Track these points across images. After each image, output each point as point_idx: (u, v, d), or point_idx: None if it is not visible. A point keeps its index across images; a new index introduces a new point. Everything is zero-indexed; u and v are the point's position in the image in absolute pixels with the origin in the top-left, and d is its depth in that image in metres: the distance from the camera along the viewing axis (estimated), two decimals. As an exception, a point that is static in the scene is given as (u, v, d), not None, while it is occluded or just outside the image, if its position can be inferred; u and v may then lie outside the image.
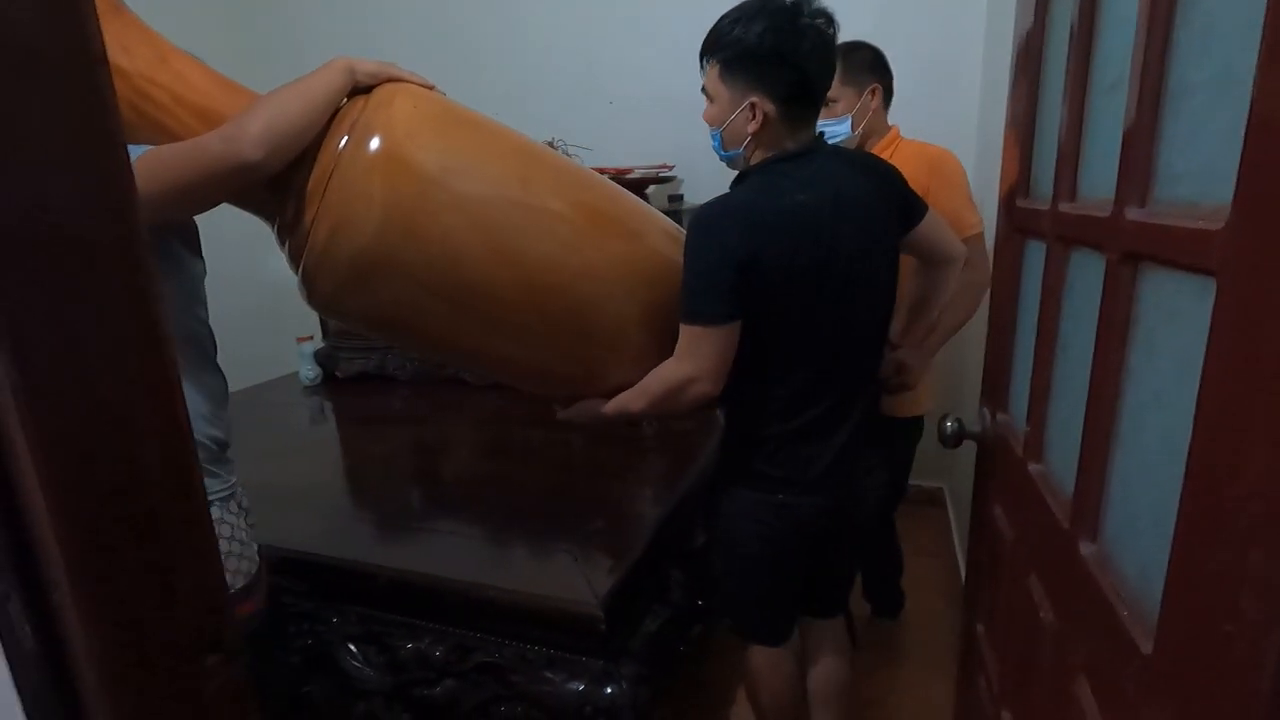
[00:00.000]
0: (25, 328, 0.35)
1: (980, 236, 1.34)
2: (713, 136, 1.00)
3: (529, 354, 0.96)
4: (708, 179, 2.14)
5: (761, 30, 0.89)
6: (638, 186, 1.98)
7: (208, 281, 0.87)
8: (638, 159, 2.08)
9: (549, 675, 0.98)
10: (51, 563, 0.38)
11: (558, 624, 0.99)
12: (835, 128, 1.37)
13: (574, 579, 1.03)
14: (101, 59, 0.37)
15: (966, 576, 1.20)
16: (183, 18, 1.84)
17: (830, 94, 1.32)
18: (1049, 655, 0.66)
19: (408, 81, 0.90)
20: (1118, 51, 0.55)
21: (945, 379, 2.11)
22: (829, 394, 1.00)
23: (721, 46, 0.93)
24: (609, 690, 0.94)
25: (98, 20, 0.37)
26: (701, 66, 0.98)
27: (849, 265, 0.94)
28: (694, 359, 0.92)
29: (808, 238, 0.91)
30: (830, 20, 0.92)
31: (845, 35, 1.02)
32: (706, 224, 0.92)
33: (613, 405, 1.00)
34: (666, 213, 1.82)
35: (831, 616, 1.26)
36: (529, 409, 1.98)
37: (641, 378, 0.97)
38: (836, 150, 1.02)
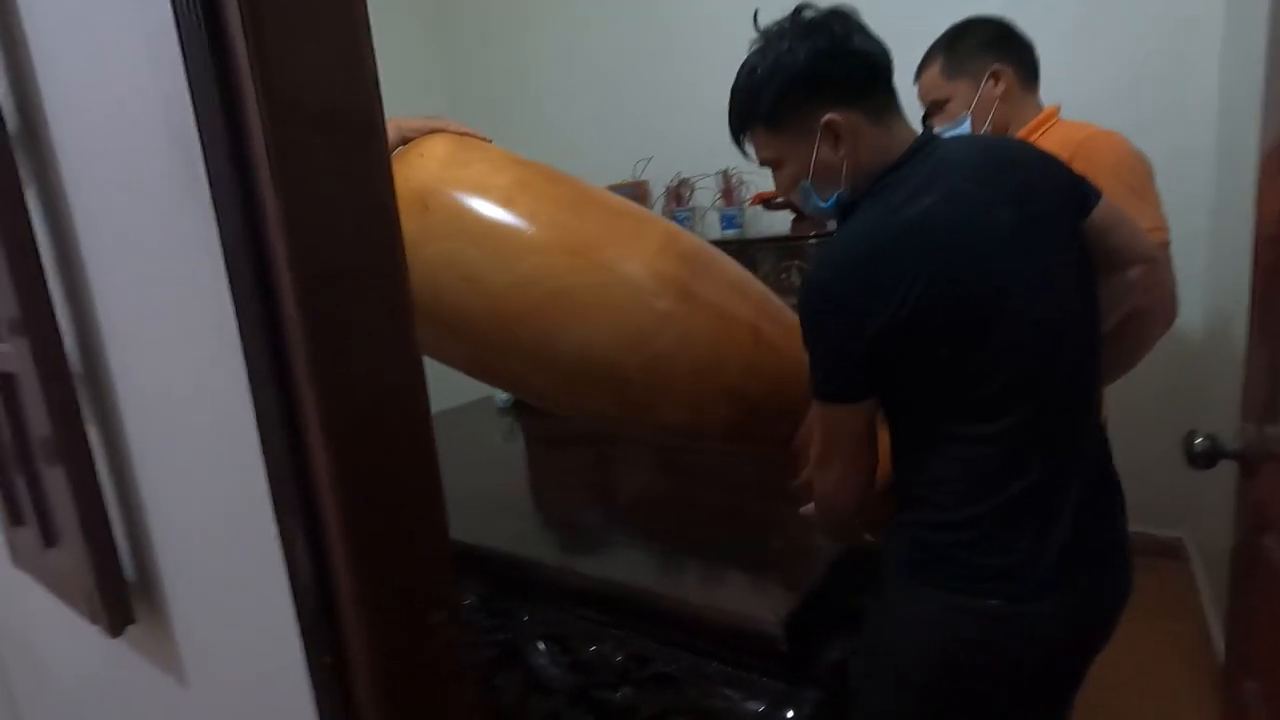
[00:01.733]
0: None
1: (1164, 246, 0.99)
2: (805, 196, 0.82)
3: (555, 388, 1.03)
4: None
5: (790, 54, 0.76)
6: (813, 208, 1.95)
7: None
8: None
9: (727, 693, 0.96)
10: (328, 517, 0.45)
11: (737, 641, 0.97)
12: (954, 131, 1.13)
13: (753, 597, 1.02)
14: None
15: (1229, 629, 1.01)
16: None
17: (938, 95, 1.17)
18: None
19: (450, 132, 1.01)
20: None
21: (1161, 395, 1.82)
22: (1039, 451, 0.74)
23: (757, 105, 0.79)
24: (790, 714, 0.91)
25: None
26: (741, 146, 0.85)
27: (1022, 265, 0.72)
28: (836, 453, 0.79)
29: (953, 244, 0.71)
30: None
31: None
32: (817, 289, 0.75)
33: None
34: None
35: None
36: None
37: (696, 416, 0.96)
38: (958, 138, 0.88)
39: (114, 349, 0.58)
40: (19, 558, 0.77)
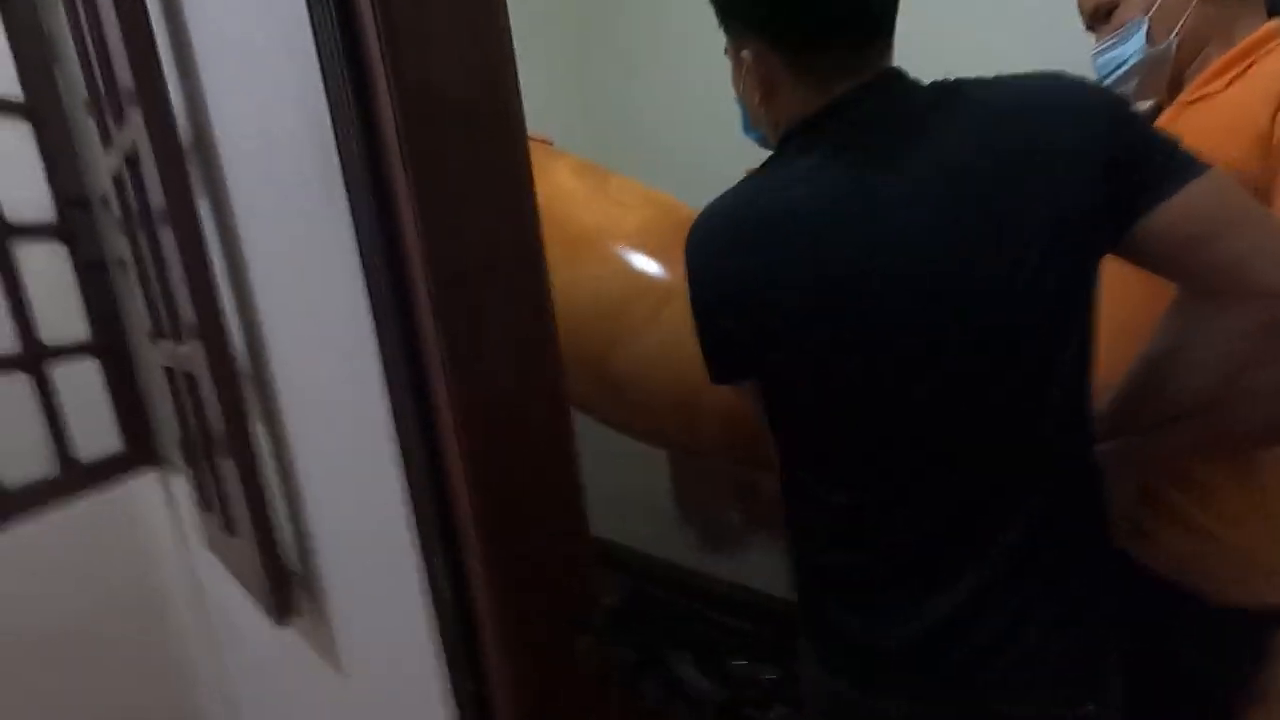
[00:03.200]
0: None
1: None
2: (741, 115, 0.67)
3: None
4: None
5: None
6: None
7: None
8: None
9: None
10: (467, 537, 0.42)
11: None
12: (1120, 49, 0.79)
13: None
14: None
15: None
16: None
17: None
18: None
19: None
20: None
21: None
22: (930, 509, 0.55)
23: None
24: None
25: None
26: None
27: (923, 291, 0.51)
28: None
29: (814, 255, 0.52)
30: None
31: None
32: (688, 247, 0.60)
33: None
34: None
35: None
36: None
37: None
38: (927, 87, 0.55)
39: (275, 351, 0.60)
40: (210, 542, 0.84)
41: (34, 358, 1.15)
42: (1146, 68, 0.77)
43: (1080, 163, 0.50)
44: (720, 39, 0.63)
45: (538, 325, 0.44)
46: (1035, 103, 0.53)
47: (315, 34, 0.38)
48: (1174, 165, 0.51)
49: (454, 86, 0.38)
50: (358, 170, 0.38)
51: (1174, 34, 0.77)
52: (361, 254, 0.40)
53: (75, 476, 1.23)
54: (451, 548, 0.42)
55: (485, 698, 0.44)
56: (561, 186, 1.02)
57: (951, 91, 0.54)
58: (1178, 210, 0.50)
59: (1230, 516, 0.69)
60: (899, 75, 0.56)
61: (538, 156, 0.45)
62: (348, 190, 0.40)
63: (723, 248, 0.57)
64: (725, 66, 0.63)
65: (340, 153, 0.39)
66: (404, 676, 0.54)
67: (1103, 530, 0.59)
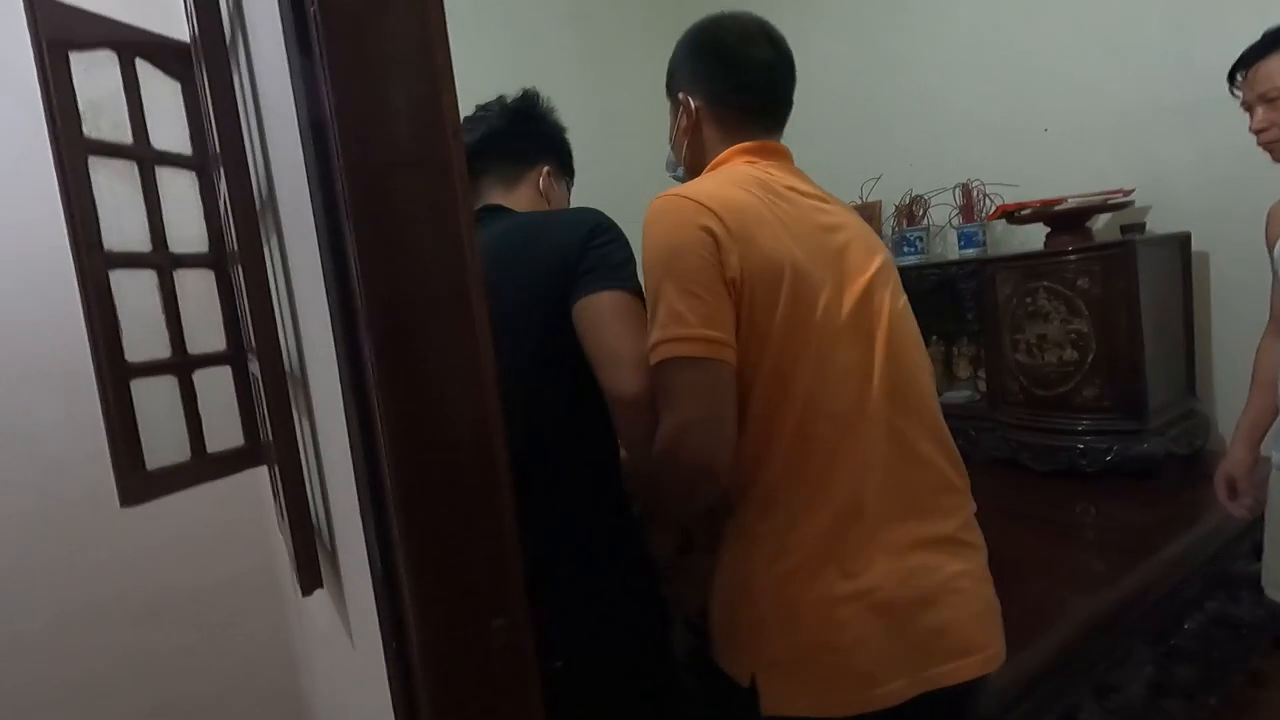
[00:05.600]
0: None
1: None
2: None
3: None
4: (1189, 202, 1.65)
5: None
6: (1074, 217, 1.64)
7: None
8: (1081, 187, 1.73)
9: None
10: (393, 515, 0.50)
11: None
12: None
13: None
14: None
15: None
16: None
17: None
18: None
19: None
20: None
21: None
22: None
23: None
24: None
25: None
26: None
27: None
28: None
29: None
30: None
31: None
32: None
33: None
34: (1119, 245, 1.48)
35: None
36: None
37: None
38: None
39: (310, 365, 0.73)
40: (279, 526, 0.99)
41: (183, 364, 1.41)
42: None
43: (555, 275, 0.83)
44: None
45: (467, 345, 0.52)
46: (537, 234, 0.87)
47: (297, 120, 0.49)
48: (585, 284, 0.80)
49: (401, 166, 0.48)
50: (321, 223, 0.49)
51: None
52: (326, 290, 0.51)
53: (203, 465, 1.47)
54: (385, 538, 0.51)
55: (410, 679, 0.52)
56: None
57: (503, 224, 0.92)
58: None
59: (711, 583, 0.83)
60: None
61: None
62: (317, 238, 0.51)
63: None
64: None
65: (313, 210, 0.50)
66: (370, 651, 0.63)
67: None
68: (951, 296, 1.91)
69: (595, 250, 0.80)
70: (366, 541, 0.52)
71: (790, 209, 0.78)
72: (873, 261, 0.82)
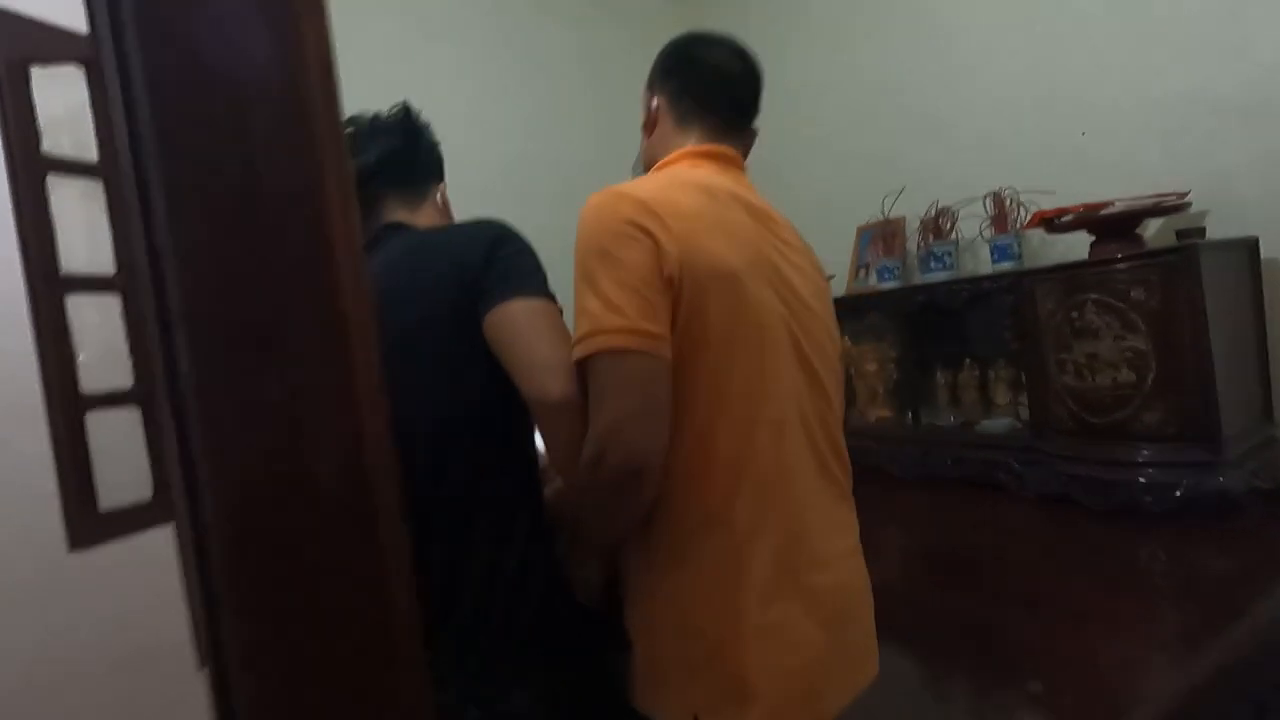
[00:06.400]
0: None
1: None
2: None
3: None
4: (1254, 205, 1.48)
5: None
6: (1123, 222, 1.47)
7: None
8: (1124, 192, 1.57)
9: None
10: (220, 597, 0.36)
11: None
12: None
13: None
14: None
15: None
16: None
17: None
18: None
19: None
20: None
21: None
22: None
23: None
24: None
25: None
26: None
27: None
28: None
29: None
30: None
31: None
32: None
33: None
34: (1178, 250, 1.32)
35: None
36: (970, 510, 1.62)
37: None
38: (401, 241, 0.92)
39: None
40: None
41: (148, 394, 1.30)
42: None
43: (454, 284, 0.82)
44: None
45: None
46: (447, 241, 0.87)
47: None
48: (493, 291, 0.77)
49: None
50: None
51: None
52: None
53: (167, 504, 1.35)
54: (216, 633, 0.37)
55: None
56: None
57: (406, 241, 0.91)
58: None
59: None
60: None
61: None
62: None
63: None
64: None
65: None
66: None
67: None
68: (986, 314, 1.74)
69: (502, 260, 0.78)
70: (195, 637, 0.38)
71: (731, 216, 0.77)
72: (810, 279, 0.83)
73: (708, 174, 0.82)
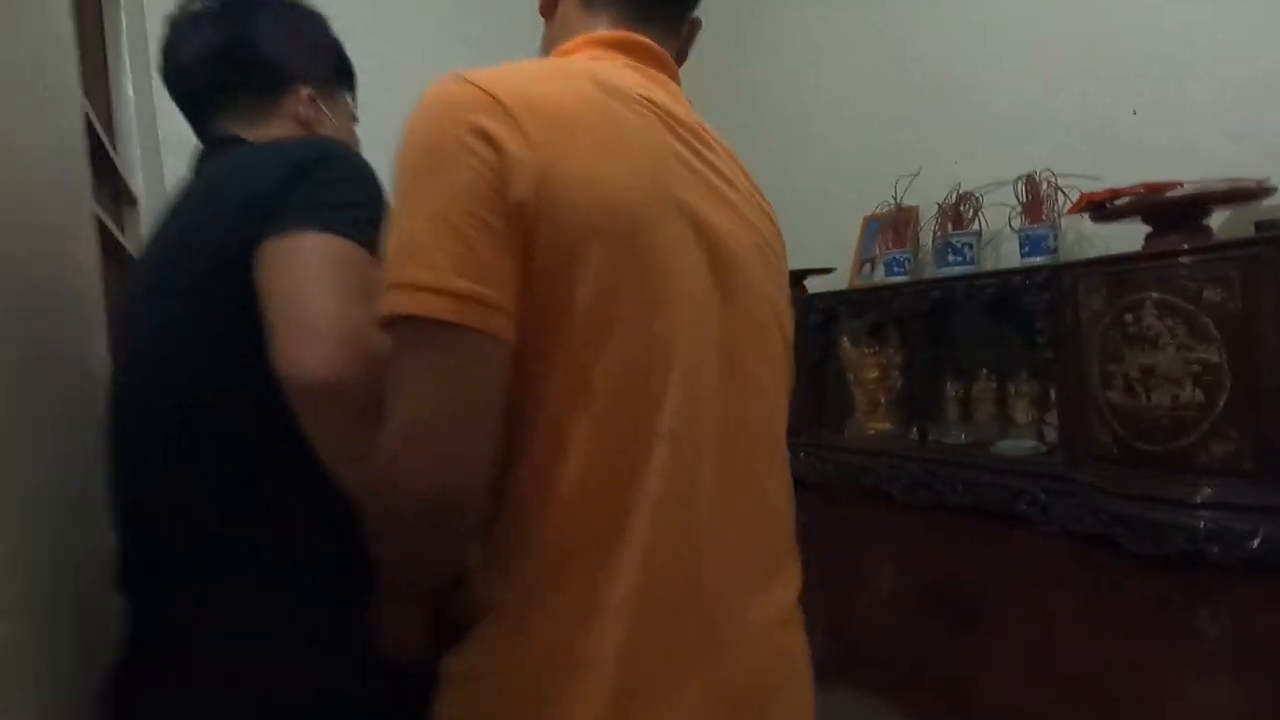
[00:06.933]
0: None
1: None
2: None
3: None
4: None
5: None
6: (1189, 208, 1.22)
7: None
8: (1179, 173, 1.33)
9: None
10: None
11: None
12: None
13: None
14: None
15: None
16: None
17: None
18: None
19: None
20: None
21: None
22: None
23: None
24: None
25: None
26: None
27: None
28: None
29: None
30: None
31: None
32: None
33: None
34: (1263, 242, 1.07)
35: None
36: (981, 544, 1.39)
37: None
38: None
39: None
40: None
41: None
42: None
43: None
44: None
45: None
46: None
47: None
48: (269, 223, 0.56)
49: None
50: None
51: None
52: None
53: None
54: None
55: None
56: None
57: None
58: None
59: None
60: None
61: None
62: None
63: None
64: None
65: None
66: None
67: None
68: (1014, 317, 1.49)
69: (309, 185, 0.57)
70: None
71: (636, 126, 0.54)
72: (752, 228, 0.62)
73: (613, 69, 0.59)
